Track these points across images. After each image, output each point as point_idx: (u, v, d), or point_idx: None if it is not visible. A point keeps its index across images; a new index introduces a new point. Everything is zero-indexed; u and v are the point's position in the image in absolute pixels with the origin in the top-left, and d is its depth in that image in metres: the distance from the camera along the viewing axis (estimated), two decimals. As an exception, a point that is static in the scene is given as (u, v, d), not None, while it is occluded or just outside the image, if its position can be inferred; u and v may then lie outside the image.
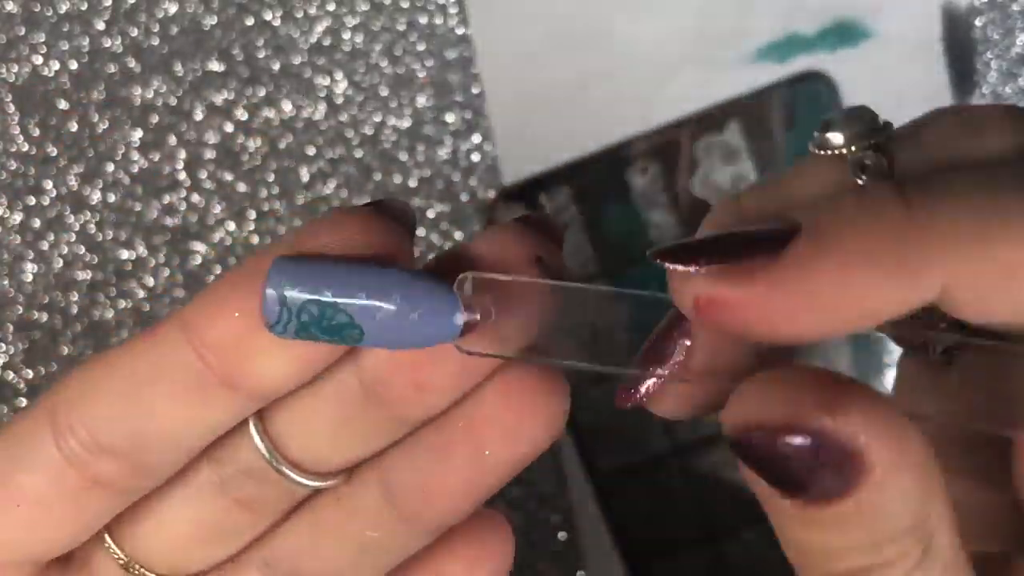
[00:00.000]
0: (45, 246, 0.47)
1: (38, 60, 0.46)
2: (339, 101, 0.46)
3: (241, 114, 0.46)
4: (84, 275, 0.47)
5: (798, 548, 0.19)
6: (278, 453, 0.22)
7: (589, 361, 0.20)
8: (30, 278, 0.47)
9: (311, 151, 0.46)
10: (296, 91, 0.46)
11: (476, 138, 0.46)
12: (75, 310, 0.47)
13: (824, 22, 0.45)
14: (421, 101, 0.46)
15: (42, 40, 0.46)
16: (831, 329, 0.18)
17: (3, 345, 0.47)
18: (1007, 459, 0.21)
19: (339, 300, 0.19)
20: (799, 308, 0.17)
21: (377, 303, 0.19)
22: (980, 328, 0.19)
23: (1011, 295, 0.18)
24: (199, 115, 0.46)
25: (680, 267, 0.18)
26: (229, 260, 0.47)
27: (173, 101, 0.46)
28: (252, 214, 0.46)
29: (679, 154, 0.44)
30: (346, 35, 0.46)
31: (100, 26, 0.46)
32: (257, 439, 0.22)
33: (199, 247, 0.47)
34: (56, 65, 0.46)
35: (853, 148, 0.20)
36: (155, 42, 0.46)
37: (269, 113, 0.46)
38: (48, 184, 0.47)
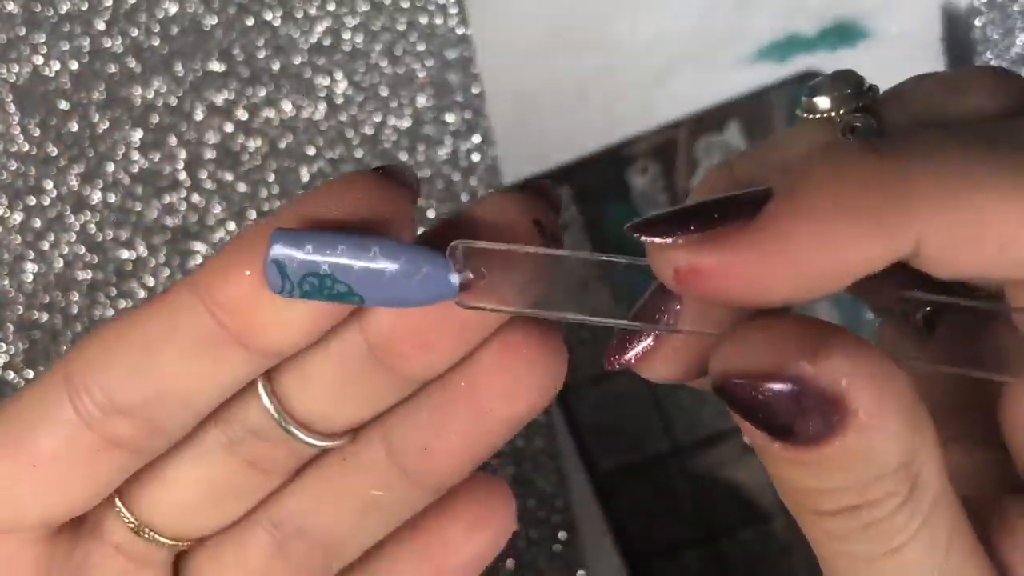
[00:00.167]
0: (45, 246, 0.47)
1: (39, 60, 0.46)
2: (339, 101, 0.46)
3: (241, 114, 0.46)
4: (84, 275, 0.47)
5: (788, 489, 0.19)
6: (286, 413, 0.22)
7: (585, 315, 0.21)
8: (30, 278, 0.47)
9: (311, 151, 0.46)
10: (296, 91, 0.46)
11: (476, 138, 0.46)
12: (75, 310, 0.47)
13: (824, 22, 0.45)
14: (421, 101, 0.46)
15: (43, 40, 0.46)
16: (809, 289, 0.18)
17: (4, 345, 0.47)
18: (990, 420, 0.21)
19: (336, 273, 0.20)
20: (776, 270, 0.17)
21: (371, 269, 0.20)
22: (955, 286, 0.19)
23: (983, 248, 0.18)
24: (199, 115, 0.46)
25: (657, 239, 0.18)
26: (229, 260, 0.47)
27: (173, 101, 0.46)
28: (252, 214, 0.47)
29: (679, 154, 0.44)
30: (346, 35, 0.46)
31: (100, 26, 0.46)
32: (266, 399, 0.22)
33: (199, 247, 0.47)
34: (57, 65, 0.46)
35: (840, 111, 0.20)
36: (155, 42, 0.46)
37: (269, 113, 0.46)
38: (48, 184, 0.47)
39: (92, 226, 0.47)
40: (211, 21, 0.46)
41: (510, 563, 0.47)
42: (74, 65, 0.46)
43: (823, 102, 0.20)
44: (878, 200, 0.17)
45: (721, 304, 0.19)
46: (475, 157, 0.46)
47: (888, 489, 0.18)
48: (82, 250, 0.47)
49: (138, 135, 0.46)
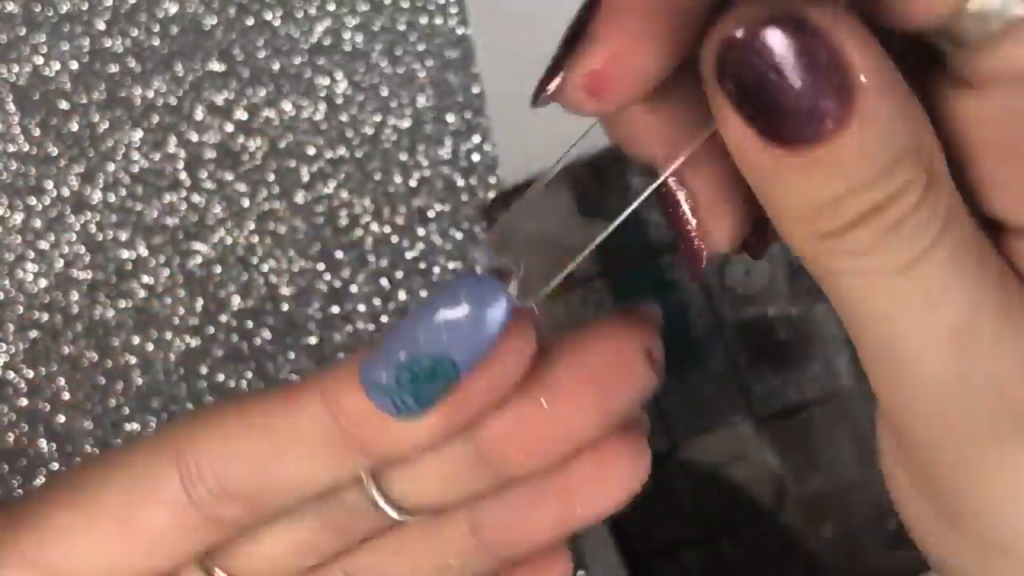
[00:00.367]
0: (46, 246, 0.47)
1: (39, 60, 0.46)
2: (339, 101, 0.46)
3: (241, 114, 0.46)
4: (84, 275, 0.47)
5: (793, 214, 0.17)
6: (384, 497, 0.23)
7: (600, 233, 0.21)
8: (31, 278, 0.47)
9: (311, 151, 0.46)
10: (296, 91, 0.46)
11: (476, 138, 0.46)
12: (76, 310, 0.47)
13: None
14: (421, 101, 0.46)
15: (43, 40, 0.46)
16: (678, 33, 0.17)
17: (4, 345, 0.47)
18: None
19: (416, 355, 0.20)
20: (631, 53, 0.17)
21: (443, 317, 0.20)
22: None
23: None
24: (199, 115, 0.46)
25: (552, 84, 0.18)
26: (229, 260, 0.47)
27: (173, 101, 0.46)
28: (252, 214, 0.47)
29: (679, 154, 0.44)
30: (346, 35, 0.46)
31: (101, 26, 0.46)
32: (374, 492, 0.23)
33: (199, 247, 0.47)
34: (57, 65, 0.46)
35: None
36: (156, 42, 0.46)
37: (269, 113, 0.46)
38: (49, 184, 0.47)
39: (92, 226, 0.47)
40: (211, 21, 0.46)
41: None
42: (74, 65, 0.46)
43: None
44: None
45: (640, 92, 0.18)
46: (475, 157, 0.46)
47: (908, 175, 0.17)
48: (82, 250, 0.47)
49: (138, 135, 0.46)
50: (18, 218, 0.47)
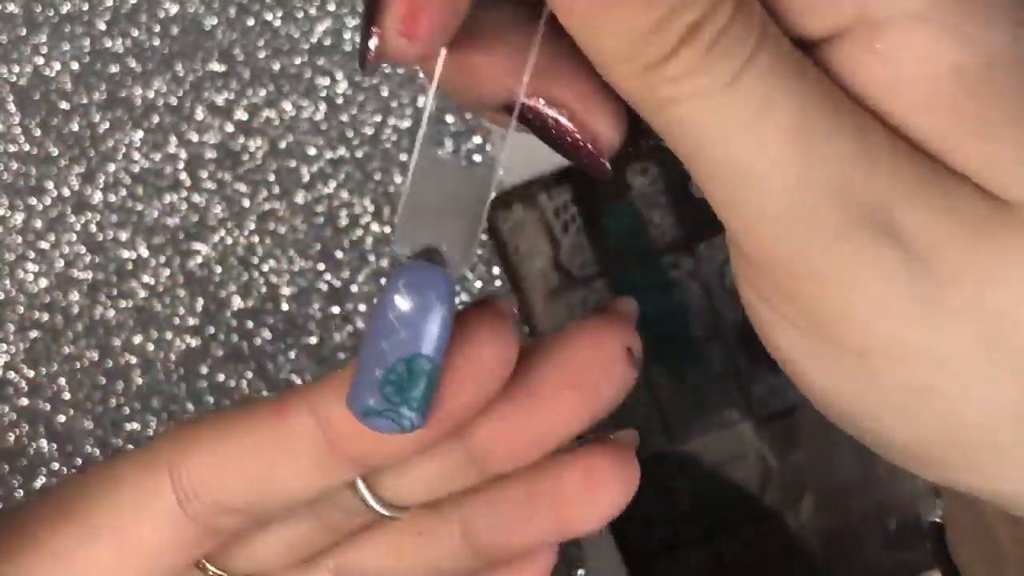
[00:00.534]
0: (46, 246, 0.47)
1: (39, 61, 0.46)
2: (339, 101, 0.46)
3: (242, 114, 0.46)
4: (85, 275, 0.47)
5: (618, 54, 0.18)
6: (375, 496, 0.24)
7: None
8: (31, 278, 0.47)
9: (312, 151, 0.46)
10: (297, 91, 0.46)
11: (476, 138, 0.46)
12: (76, 310, 0.47)
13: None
14: (421, 101, 0.46)
15: (44, 41, 0.46)
16: None
17: (4, 344, 0.47)
18: None
19: (384, 362, 0.21)
20: None
21: (393, 317, 0.21)
22: None
23: None
24: (200, 115, 0.46)
25: (372, 44, 0.19)
26: (230, 260, 0.47)
27: (174, 101, 0.46)
28: (253, 214, 0.47)
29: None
30: (347, 35, 0.46)
31: (101, 27, 0.46)
32: (368, 497, 0.23)
33: (200, 247, 0.47)
34: (57, 66, 0.46)
35: None
36: (156, 42, 0.46)
37: (270, 113, 0.46)
38: (49, 184, 0.47)
39: (93, 226, 0.47)
40: (212, 21, 0.46)
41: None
42: (75, 65, 0.46)
43: None
44: None
45: (455, 16, 0.19)
46: (475, 157, 0.46)
47: None
48: (83, 250, 0.47)
49: (139, 135, 0.46)
50: (19, 218, 0.47)
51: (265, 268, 0.47)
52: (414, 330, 0.20)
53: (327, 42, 0.46)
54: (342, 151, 0.46)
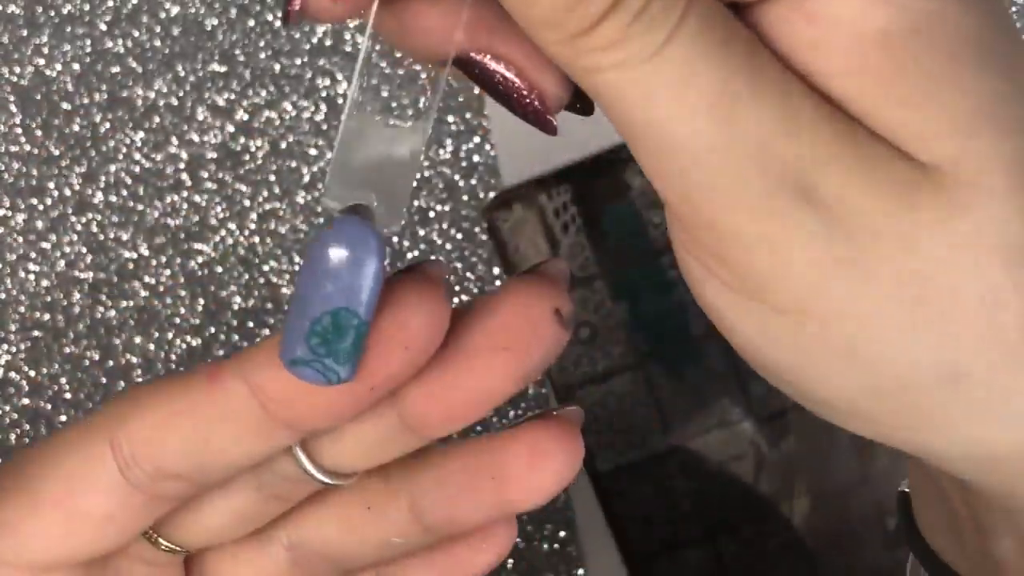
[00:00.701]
0: (47, 246, 0.47)
1: (41, 61, 0.47)
2: (340, 102, 0.46)
3: (243, 115, 0.46)
4: (86, 275, 0.47)
5: (547, 19, 0.18)
6: (316, 465, 0.24)
7: None
8: (33, 278, 0.47)
9: (312, 152, 0.47)
10: (297, 92, 0.46)
11: (476, 138, 0.46)
12: (77, 310, 0.47)
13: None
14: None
15: (45, 41, 0.46)
16: None
17: (6, 344, 0.47)
18: None
19: (311, 314, 0.21)
20: None
21: (322, 270, 0.21)
22: None
23: None
24: (201, 116, 0.46)
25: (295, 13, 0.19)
26: (230, 260, 0.47)
27: (175, 102, 0.46)
28: (253, 215, 0.47)
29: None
30: (347, 36, 0.46)
31: (102, 27, 0.46)
32: (304, 461, 0.24)
33: (201, 247, 0.47)
34: (59, 66, 0.47)
35: None
36: (157, 43, 0.46)
37: (271, 114, 0.46)
38: (51, 184, 0.47)
39: (94, 226, 0.47)
40: (213, 22, 0.46)
41: (509, 563, 0.47)
42: (76, 66, 0.46)
43: None
44: None
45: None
46: (475, 157, 0.46)
47: None
48: (84, 250, 0.47)
49: (140, 136, 0.47)
50: (20, 218, 0.47)
51: (266, 268, 0.47)
52: (341, 284, 0.21)
53: (328, 43, 0.46)
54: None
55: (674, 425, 0.45)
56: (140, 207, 0.47)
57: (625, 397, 0.45)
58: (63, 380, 0.47)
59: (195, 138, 0.46)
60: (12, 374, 0.47)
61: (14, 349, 0.47)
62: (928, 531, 0.26)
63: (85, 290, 0.47)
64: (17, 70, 0.47)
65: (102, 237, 0.47)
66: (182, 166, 0.47)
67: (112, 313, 0.47)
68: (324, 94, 0.46)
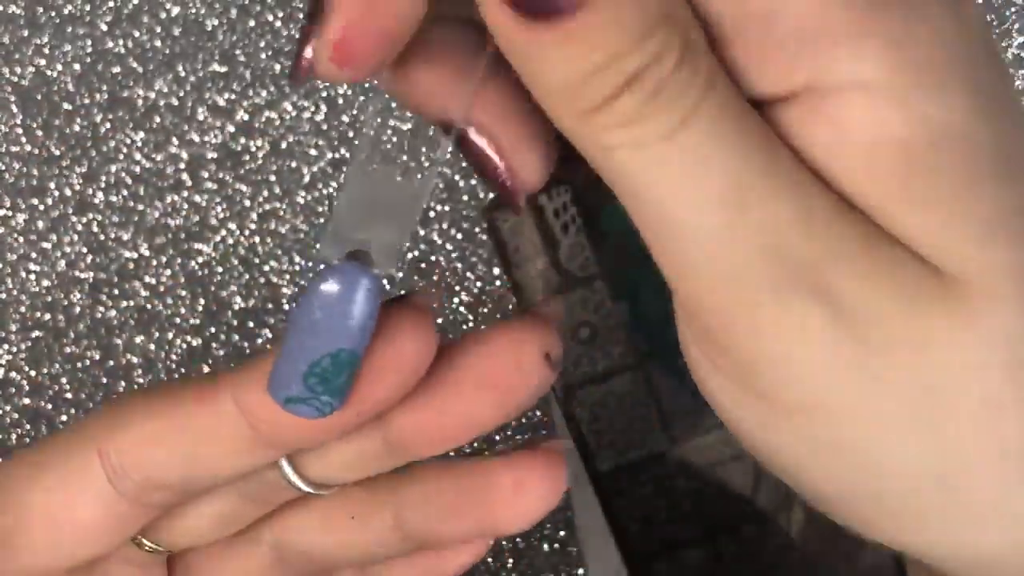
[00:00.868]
0: (48, 246, 0.47)
1: (42, 61, 0.47)
2: (340, 102, 0.46)
3: (243, 115, 0.47)
4: (87, 275, 0.47)
5: (555, 90, 0.18)
6: (301, 476, 0.24)
7: None
8: (33, 278, 0.47)
9: (313, 152, 0.47)
10: (297, 92, 0.46)
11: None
12: (78, 310, 0.47)
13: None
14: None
15: (46, 41, 0.46)
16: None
17: (6, 344, 0.47)
18: None
19: (310, 357, 0.21)
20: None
21: (318, 316, 0.21)
22: None
23: None
24: (201, 116, 0.46)
25: (304, 59, 0.19)
26: (231, 260, 0.47)
27: (175, 102, 0.47)
28: (254, 215, 0.47)
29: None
30: (347, 36, 0.46)
31: (103, 27, 0.46)
32: (291, 474, 0.24)
33: (201, 247, 0.47)
34: (59, 66, 0.47)
35: None
36: (158, 43, 0.46)
37: (271, 114, 0.46)
38: (51, 184, 0.47)
39: (94, 226, 0.47)
40: (213, 22, 0.46)
41: (509, 563, 0.47)
42: (77, 66, 0.47)
43: None
44: None
45: (389, 51, 0.19)
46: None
47: (662, 40, 0.17)
48: (84, 250, 0.47)
49: (140, 136, 0.47)
50: (21, 218, 0.47)
51: (266, 268, 0.47)
52: (340, 325, 0.21)
53: (328, 43, 0.46)
54: (343, 152, 0.46)
55: (674, 425, 0.45)
56: (140, 207, 0.47)
57: (625, 397, 0.45)
58: (64, 380, 0.47)
59: (195, 138, 0.47)
60: (13, 374, 0.47)
61: (15, 349, 0.47)
62: None
63: (85, 290, 0.47)
64: (18, 70, 0.47)
65: (102, 237, 0.47)
66: (182, 166, 0.47)
67: (112, 313, 0.47)
68: (324, 94, 0.46)
